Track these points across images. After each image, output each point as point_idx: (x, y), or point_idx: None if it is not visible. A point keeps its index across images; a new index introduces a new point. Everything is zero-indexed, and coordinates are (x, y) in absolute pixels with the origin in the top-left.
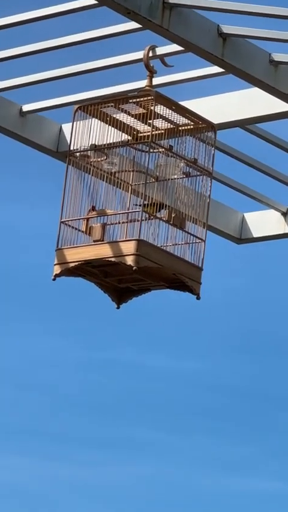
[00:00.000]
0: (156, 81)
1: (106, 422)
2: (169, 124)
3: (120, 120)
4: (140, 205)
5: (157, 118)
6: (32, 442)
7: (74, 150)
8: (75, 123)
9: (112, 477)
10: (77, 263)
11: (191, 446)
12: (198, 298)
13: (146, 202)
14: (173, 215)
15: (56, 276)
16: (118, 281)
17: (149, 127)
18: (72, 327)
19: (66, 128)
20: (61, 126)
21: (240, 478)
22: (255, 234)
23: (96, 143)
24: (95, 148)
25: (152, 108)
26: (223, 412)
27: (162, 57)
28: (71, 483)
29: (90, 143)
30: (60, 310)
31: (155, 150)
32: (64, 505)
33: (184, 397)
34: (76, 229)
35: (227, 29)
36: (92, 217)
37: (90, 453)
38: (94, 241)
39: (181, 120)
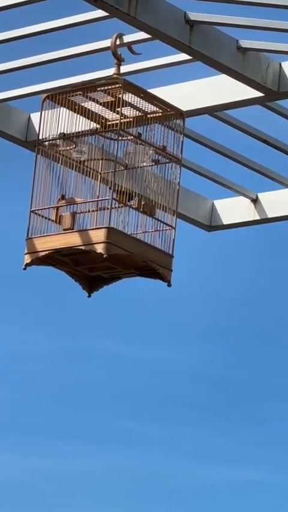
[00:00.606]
0: (124, 69)
1: (83, 413)
2: (137, 112)
3: (89, 109)
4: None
5: (125, 106)
6: (10, 435)
7: (43, 139)
8: (43, 112)
9: (89, 467)
10: (47, 252)
11: (168, 435)
12: (169, 285)
13: (117, 189)
14: (142, 203)
15: (27, 265)
16: (89, 269)
17: (117, 115)
18: (46, 318)
19: (35, 117)
20: (30, 116)
21: (217, 467)
22: (225, 221)
23: (65, 132)
24: (63, 137)
25: (120, 96)
26: (200, 402)
27: (129, 45)
28: (50, 474)
29: (59, 132)
30: (33, 300)
31: (123, 138)
32: (44, 496)
33: (160, 386)
34: (46, 218)
35: (194, 16)
36: (62, 206)
37: (68, 444)
38: (64, 229)
39: (149, 107)
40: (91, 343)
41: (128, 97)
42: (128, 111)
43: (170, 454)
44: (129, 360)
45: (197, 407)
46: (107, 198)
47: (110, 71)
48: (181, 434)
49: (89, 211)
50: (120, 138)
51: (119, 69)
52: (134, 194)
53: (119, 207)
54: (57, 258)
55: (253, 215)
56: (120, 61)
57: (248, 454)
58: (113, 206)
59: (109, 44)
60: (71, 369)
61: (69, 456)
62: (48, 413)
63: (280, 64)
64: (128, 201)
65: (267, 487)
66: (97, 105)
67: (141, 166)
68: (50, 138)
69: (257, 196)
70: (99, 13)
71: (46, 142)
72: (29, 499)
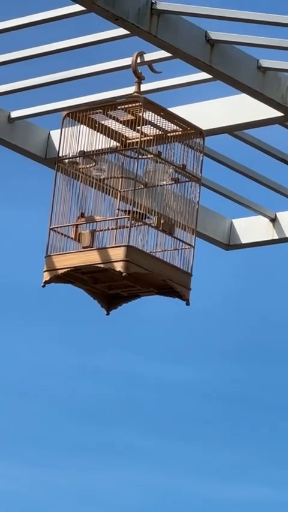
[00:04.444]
0: (145, 87)
1: (98, 429)
2: (157, 130)
3: (109, 127)
4: (124, 210)
5: (145, 124)
6: (24, 448)
7: (63, 156)
8: (63, 129)
9: (104, 483)
10: (66, 270)
11: (183, 452)
12: (187, 304)
13: (129, 209)
14: (162, 221)
15: (46, 282)
16: (108, 287)
17: (137, 133)
18: (64, 335)
19: (55, 134)
20: (49, 133)
21: (230, 485)
22: (244, 240)
23: (85, 150)
24: (83, 154)
25: (141, 114)
26: (216, 419)
27: (150, 64)
28: (63, 489)
29: (78, 150)
30: (52, 317)
31: (143, 157)
32: (55, 511)
33: (175, 403)
34: (65, 235)
35: (214, 35)
36: (81, 223)
37: (83, 459)
38: (83, 247)
39: (169, 126)
40: (108, 360)
41: (148, 115)
42: (148, 130)
43: (184, 471)
44: (145, 377)
45: (211, 425)
46: (127, 216)
47: (131, 89)
48: (195, 451)
49: (108, 229)
50: (140, 156)
51: (139, 87)
52: (148, 213)
53: (138, 225)
54: (76, 276)
55: (271, 234)
56: (140, 79)
57: (262, 472)
58: (133, 225)
59: (130, 62)
60: (87, 386)
61: (82, 471)
62: (64, 428)
63: None
64: (143, 219)
65: (280, 505)
66: (117, 123)
67: (160, 185)
68: (70, 155)
69: (275, 216)
70: (121, 31)
71: (66, 160)
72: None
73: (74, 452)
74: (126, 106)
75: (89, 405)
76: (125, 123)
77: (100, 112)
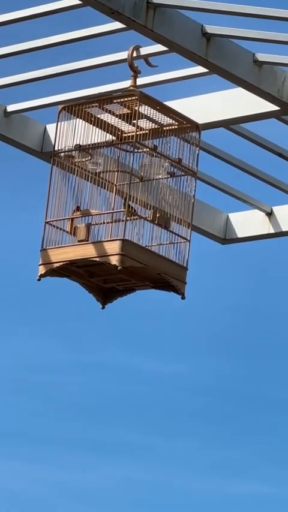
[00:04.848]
0: (141, 81)
1: (96, 426)
2: (153, 124)
3: (105, 121)
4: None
5: (141, 118)
6: (22, 445)
7: (59, 150)
8: (59, 123)
9: (103, 480)
10: (61, 263)
11: (182, 449)
12: (183, 298)
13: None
14: (157, 215)
15: (41, 276)
16: (103, 281)
17: (133, 127)
18: (59, 329)
19: (51, 128)
20: (45, 127)
21: (231, 482)
22: (240, 235)
23: (81, 143)
24: (79, 148)
25: (136, 108)
26: (214, 416)
27: (146, 57)
28: (62, 487)
29: (74, 143)
30: (48, 312)
31: (139, 150)
32: (55, 509)
33: (173, 400)
34: (61, 229)
35: (210, 29)
36: (77, 217)
37: (81, 456)
38: (79, 241)
39: (165, 120)
40: (103, 355)
41: (144, 109)
42: (144, 124)
43: (185, 468)
44: (142, 372)
45: (214, 422)
46: (122, 210)
47: (127, 83)
48: (193, 448)
49: (104, 223)
50: (136, 150)
51: (135, 81)
52: (144, 206)
53: (133, 219)
54: (72, 270)
55: (268, 228)
56: (136, 73)
57: (261, 469)
58: (128, 218)
59: (126, 56)
60: (84, 381)
61: (79, 468)
62: (62, 425)
63: None
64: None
65: (280, 502)
66: (113, 117)
67: (156, 179)
68: (66, 149)
69: (271, 210)
70: (117, 25)
71: (62, 154)
72: (34, 509)
73: (72, 449)
74: (122, 100)
75: (87, 401)
76: (121, 116)
77: (96, 106)
